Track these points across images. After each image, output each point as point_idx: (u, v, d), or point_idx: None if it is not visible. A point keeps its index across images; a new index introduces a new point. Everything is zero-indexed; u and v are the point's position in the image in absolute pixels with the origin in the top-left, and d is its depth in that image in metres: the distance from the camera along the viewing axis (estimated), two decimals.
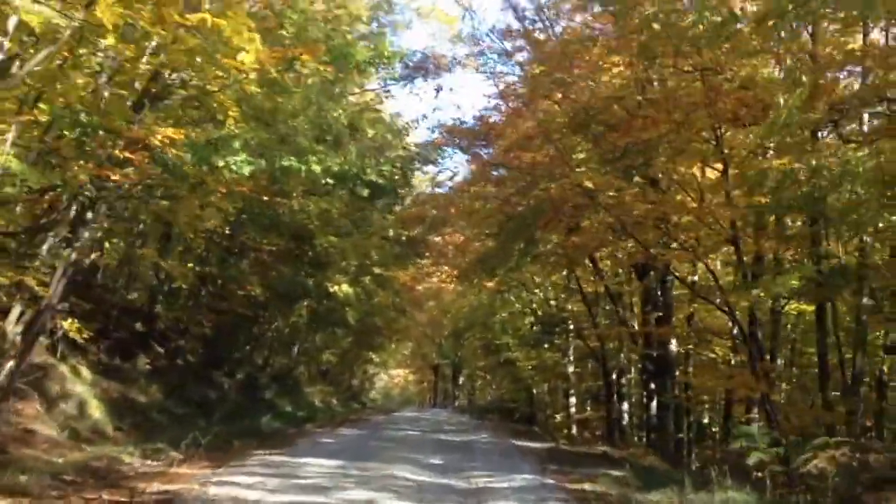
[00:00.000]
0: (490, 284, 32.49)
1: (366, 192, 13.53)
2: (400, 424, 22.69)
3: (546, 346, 29.94)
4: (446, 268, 37.00)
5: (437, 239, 29.27)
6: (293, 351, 34.02)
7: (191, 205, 12.60)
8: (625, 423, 23.95)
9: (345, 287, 25.41)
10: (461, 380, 70.53)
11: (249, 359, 25.71)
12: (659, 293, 18.03)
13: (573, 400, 28.27)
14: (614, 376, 25.16)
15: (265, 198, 14.18)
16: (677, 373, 18.95)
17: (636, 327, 20.14)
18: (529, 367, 34.33)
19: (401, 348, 57.23)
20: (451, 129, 21.47)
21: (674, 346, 18.04)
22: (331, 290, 25.22)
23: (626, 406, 24.18)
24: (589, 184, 12.38)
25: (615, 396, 23.87)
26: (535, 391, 36.93)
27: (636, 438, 23.55)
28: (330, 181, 12.48)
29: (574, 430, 27.81)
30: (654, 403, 20.82)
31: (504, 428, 24.27)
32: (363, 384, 49.67)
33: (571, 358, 28.46)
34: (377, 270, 26.88)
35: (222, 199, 13.73)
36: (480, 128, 20.72)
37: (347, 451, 13.05)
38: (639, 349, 19.77)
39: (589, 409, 30.33)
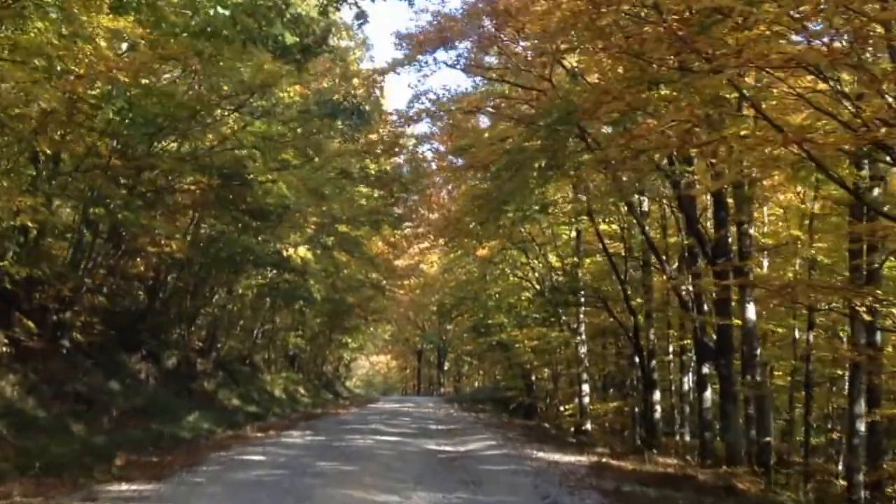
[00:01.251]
0: (482, 252, 27.37)
1: (287, 39, 8.20)
2: (373, 423, 17.55)
3: (552, 321, 24.89)
4: (429, 233, 31.83)
5: (416, 198, 23.93)
6: (255, 333, 28.77)
7: None
8: (657, 417, 18.95)
9: (302, 251, 20.16)
10: (446, 366, 65.44)
11: (186, 341, 20.39)
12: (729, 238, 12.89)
13: (586, 388, 23.22)
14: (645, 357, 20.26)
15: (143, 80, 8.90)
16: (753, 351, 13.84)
17: (689, 286, 15.02)
18: (528, 350, 29.29)
19: (381, 332, 51.95)
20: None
21: (752, 312, 12.96)
22: (285, 253, 19.97)
23: (657, 396, 19.15)
24: None
25: (646, 384, 18.87)
26: (534, 378, 31.91)
27: (677, 438, 18.63)
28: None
29: (588, 426, 22.79)
30: (706, 393, 15.83)
31: (506, 425, 19.21)
32: (337, 371, 44.38)
33: (584, 337, 23.39)
34: (343, 229, 21.54)
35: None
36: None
37: (264, 489, 7.85)
38: (691, 319, 14.71)
39: (604, 399, 25.31)
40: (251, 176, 14.42)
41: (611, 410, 23.21)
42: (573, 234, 23.38)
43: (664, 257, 15.76)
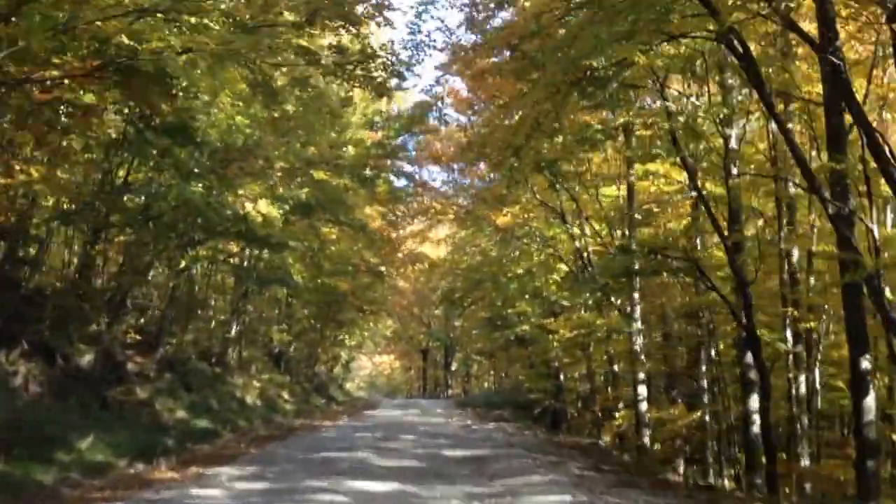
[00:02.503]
0: (504, 219, 22.01)
1: None
2: (361, 447, 12.18)
3: (598, 306, 19.56)
4: (436, 205, 26.47)
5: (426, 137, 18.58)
6: (228, 327, 23.47)
7: None
8: (755, 433, 13.48)
9: (264, 206, 14.79)
10: (454, 366, 60.09)
11: (111, 333, 15.03)
12: None
13: (643, 391, 17.80)
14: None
15: None
16: None
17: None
18: (558, 344, 23.96)
19: (381, 328, 46.58)
20: None
21: None
22: (241, 210, 14.63)
23: (754, 402, 13.66)
24: None
25: (745, 385, 13.44)
26: (562, 377, 26.53)
27: (804, 460, 13.32)
28: None
29: (646, 440, 17.42)
30: (868, 399, 10.41)
31: (556, 447, 13.82)
32: (332, 372, 39.02)
33: (640, 324, 18.02)
34: (321, 176, 16.20)
35: None
36: None
37: None
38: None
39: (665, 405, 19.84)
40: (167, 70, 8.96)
41: (680, 420, 17.77)
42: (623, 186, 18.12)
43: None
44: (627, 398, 20.13)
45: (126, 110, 9.99)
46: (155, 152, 11.19)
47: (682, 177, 15.43)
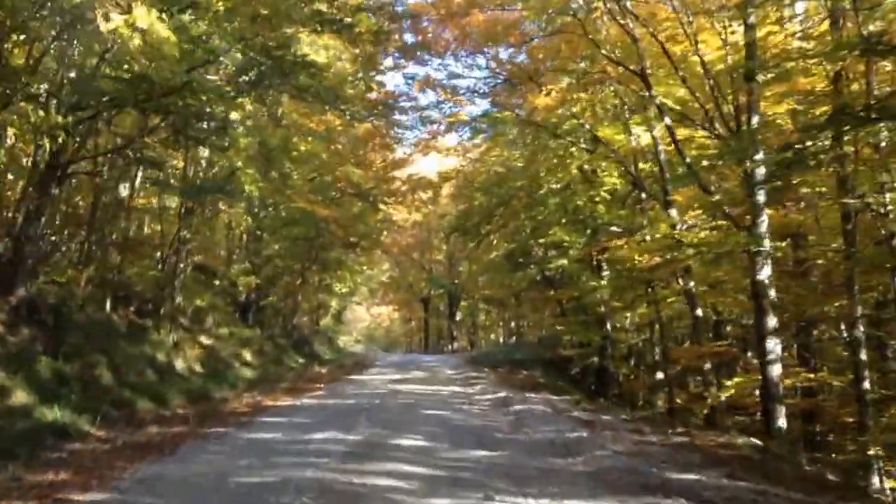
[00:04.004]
0: (545, 100, 15.22)
1: None
2: (318, 464, 5.84)
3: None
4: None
5: None
6: (162, 259, 17.02)
7: None
8: None
9: (142, 13, 8.01)
10: (458, 316, 53.80)
11: None
12: None
13: (774, 347, 11.33)
14: None
15: None
16: None
17: None
18: (606, 281, 17.60)
19: (377, 272, 40.02)
20: None
21: None
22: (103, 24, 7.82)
23: None
24: None
25: None
26: (608, 326, 20.08)
27: None
28: None
29: (782, 422, 11.02)
30: None
31: (671, 451, 7.42)
32: (317, 324, 32.56)
33: (769, 243, 11.44)
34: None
35: None
36: None
37: None
38: None
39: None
40: None
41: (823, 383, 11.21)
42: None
43: None
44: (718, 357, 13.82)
45: None
46: None
47: None
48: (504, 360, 25.82)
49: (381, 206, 26.02)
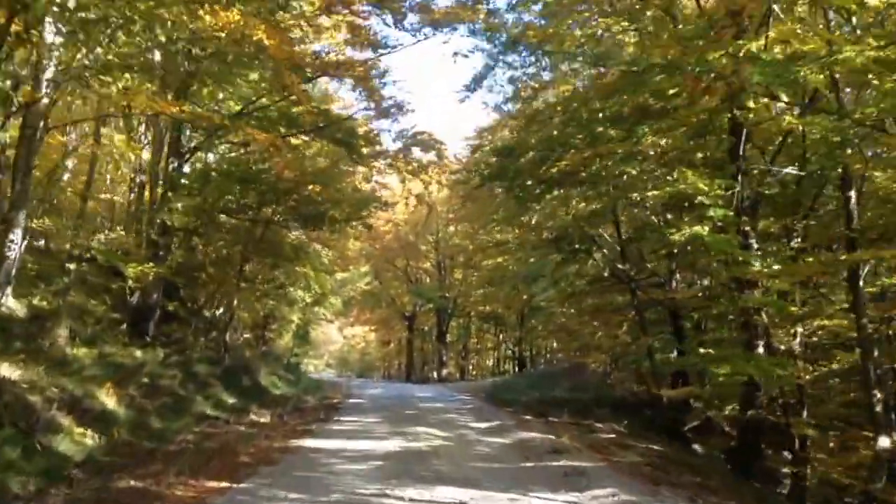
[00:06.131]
0: None
1: None
2: None
3: None
4: None
5: None
6: None
7: None
8: None
9: None
10: (448, 338, 44.43)
11: None
12: None
13: None
14: None
15: None
16: None
17: None
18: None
19: (355, 274, 30.71)
20: None
21: None
22: None
23: None
24: None
25: None
26: (761, 349, 11.21)
27: None
28: None
29: None
30: None
31: None
32: (265, 344, 23.11)
33: None
34: None
35: None
36: None
37: None
38: None
39: None
40: None
41: None
42: None
43: None
44: None
45: None
46: None
47: None
48: (541, 400, 16.70)
49: (363, 167, 17.06)
